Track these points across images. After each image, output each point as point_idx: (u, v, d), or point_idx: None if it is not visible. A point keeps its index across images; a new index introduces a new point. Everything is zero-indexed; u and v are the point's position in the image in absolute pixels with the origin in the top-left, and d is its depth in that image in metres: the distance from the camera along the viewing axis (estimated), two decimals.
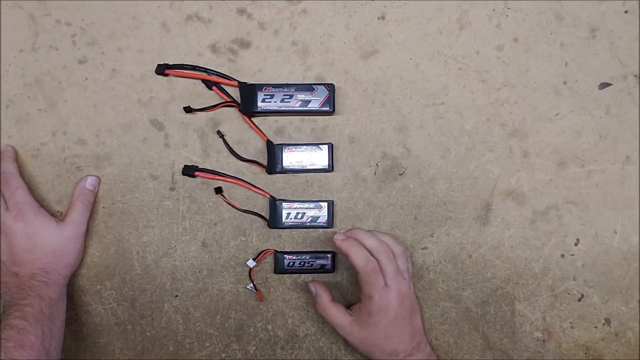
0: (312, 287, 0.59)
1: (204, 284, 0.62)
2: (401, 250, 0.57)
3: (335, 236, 0.55)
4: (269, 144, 0.61)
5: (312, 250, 0.62)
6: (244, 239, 0.62)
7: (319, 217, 0.61)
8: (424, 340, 0.57)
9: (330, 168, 0.61)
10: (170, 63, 0.60)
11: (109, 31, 0.61)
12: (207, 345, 0.62)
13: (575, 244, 0.62)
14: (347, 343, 0.58)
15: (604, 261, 0.62)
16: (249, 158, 0.61)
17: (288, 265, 0.61)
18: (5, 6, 0.60)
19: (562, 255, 0.62)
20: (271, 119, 0.62)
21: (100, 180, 0.61)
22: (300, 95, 0.60)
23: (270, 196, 0.61)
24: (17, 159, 0.60)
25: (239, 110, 0.60)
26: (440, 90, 0.62)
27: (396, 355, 0.55)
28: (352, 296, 0.62)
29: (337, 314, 0.56)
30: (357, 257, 0.54)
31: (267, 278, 0.63)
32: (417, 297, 0.58)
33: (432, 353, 0.57)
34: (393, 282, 0.54)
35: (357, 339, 0.55)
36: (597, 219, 0.62)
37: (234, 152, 0.61)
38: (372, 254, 0.54)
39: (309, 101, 0.59)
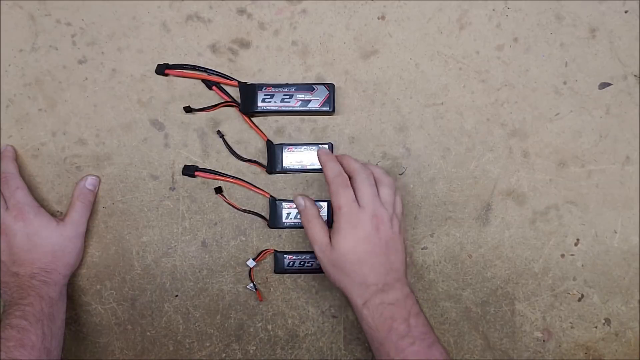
0: (300, 200, 0.55)
1: (204, 284, 0.62)
2: (388, 181, 0.54)
3: (318, 151, 0.55)
4: (269, 144, 0.61)
5: (312, 250, 0.62)
6: (244, 239, 0.62)
7: None
8: (403, 282, 0.52)
9: None
10: (170, 63, 0.60)
11: (109, 31, 0.61)
12: (207, 345, 0.62)
13: (575, 244, 0.62)
14: (322, 270, 0.54)
15: (604, 261, 0.62)
16: (249, 158, 0.61)
17: (288, 265, 0.61)
18: (5, 6, 0.60)
19: (562, 255, 0.62)
20: (271, 119, 0.62)
21: (100, 180, 0.61)
22: (300, 95, 0.60)
23: (270, 196, 0.61)
24: (17, 159, 0.60)
25: (239, 110, 0.60)
26: (440, 90, 0.62)
27: (366, 288, 0.51)
28: None
29: (318, 231, 0.53)
30: (330, 169, 0.53)
31: (267, 278, 0.63)
32: (404, 245, 0.55)
33: (411, 296, 0.52)
34: (369, 204, 0.52)
35: (329, 260, 0.52)
36: (597, 219, 0.62)
37: (234, 152, 0.61)
38: (350, 174, 0.53)
39: (309, 101, 0.60)
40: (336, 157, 0.55)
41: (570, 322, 0.63)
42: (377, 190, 0.54)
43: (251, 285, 0.62)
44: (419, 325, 0.50)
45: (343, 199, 0.52)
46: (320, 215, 0.55)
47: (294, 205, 0.61)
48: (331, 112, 0.60)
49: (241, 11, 0.61)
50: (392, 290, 0.51)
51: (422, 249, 0.63)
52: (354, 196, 0.52)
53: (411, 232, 0.62)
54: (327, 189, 0.54)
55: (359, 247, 0.51)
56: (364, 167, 0.54)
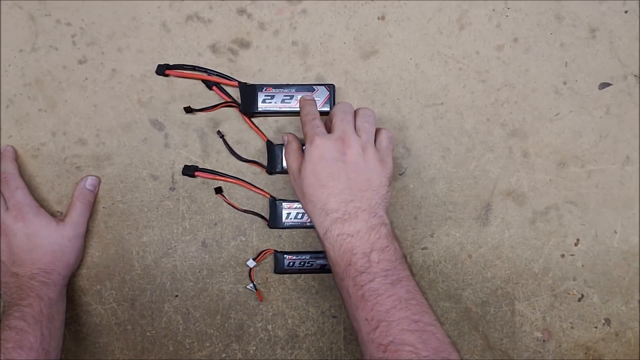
0: (285, 137, 0.57)
1: (204, 284, 0.62)
2: (368, 113, 0.53)
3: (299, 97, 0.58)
4: (269, 144, 0.61)
5: (312, 250, 0.62)
6: (244, 239, 0.62)
7: None
8: (371, 213, 0.49)
9: None
10: (170, 63, 0.60)
11: (109, 31, 0.61)
12: (207, 345, 0.62)
13: (575, 244, 0.62)
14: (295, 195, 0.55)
15: (604, 261, 0.62)
16: (249, 158, 0.61)
17: (288, 265, 0.61)
18: (5, 6, 0.60)
19: (562, 255, 0.62)
20: (271, 119, 0.62)
21: (100, 180, 0.61)
22: (301, 96, 0.60)
23: (270, 196, 0.61)
24: (17, 159, 0.60)
25: (239, 110, 0.60)
26: (440, 90, 0.62)
27: (325, 216, 0.49)
28: None
29: (293, 160, 0.54)
30: (304, 108, 0.55)
31: (267, 278, 0.63)
32: (388, 179, 0.51)
33: (378, 229, 0.48)
34: (337, 129, 0.51)
35: (297, 187, 0.52)
36: (597, 219, 0.62)
37: (234, 152, 0.61)
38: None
39: None
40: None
41: (570, 322, 0.63)
42: (355, 122, 0.53)
43: (251, 285, 0.62)
44: (382, 260, 0.47)
45: (310, 127, 0.52)
46: (300, 149, 0.55)
47: (294, 206, 0.61)
48: None
49: (241, 11, 0.61)
50: (354, 220, 0.48)
51: (422, 249, 0.63)
52: (323, 127, 0.52)
53: (411, 232, 0.62)
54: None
55: (319, 170, 0.50)
56: (344, 104, 0.54)
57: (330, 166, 0.50)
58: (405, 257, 0.50)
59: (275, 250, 0.62)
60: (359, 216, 0.48)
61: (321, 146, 0.50)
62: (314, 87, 0.59)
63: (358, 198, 0.49)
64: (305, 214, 0.61)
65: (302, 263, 0.61)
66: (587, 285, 0.62)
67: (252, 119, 0.61)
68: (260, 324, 0.63)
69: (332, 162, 0.50)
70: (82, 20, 0.61)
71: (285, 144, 0.56)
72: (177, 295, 0.62)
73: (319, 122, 0.53)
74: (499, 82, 0.61)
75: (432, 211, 0.62)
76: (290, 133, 0.57)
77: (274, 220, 0.61)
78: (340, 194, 0.49)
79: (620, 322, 0.62)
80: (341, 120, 0.52)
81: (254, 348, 0.63)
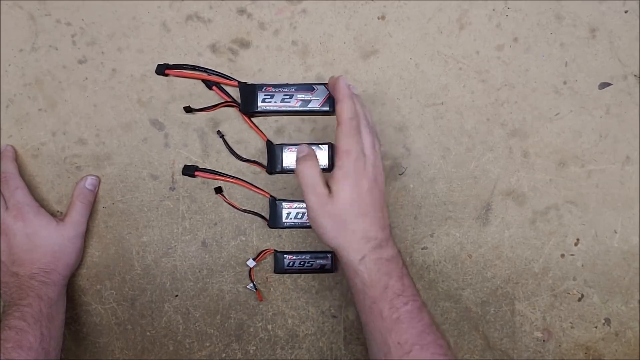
0: (304, 147, 0.51)
1: (204, 284, 0.62)
2: (369, 119, 0.51)
3: (341, 80, 0.49)
4: (269, 144, 0.61)
5: (312, 250, 0.62)
6: (244, 239, 0.62)
7: None
8: (393, 240, 0.50)
9: (330, 168, 0.61)
10: (170, 63, 0.60)
11: (109, 31, 0.61)
12: (207, 345, 0.62)
13: (575, 244, 0.62)
14: (315, 225, 0.49)
15: (604, 261, 0.62)
16: (249, 158, 0.61)
17: (288, 265, 0.61)
18: (5, 6, 0.60)
19: (562, 255, 0.62)
20: (271, 119, 0.62)
21: (100, 180, 0.61)
22: (301, 95, 0.60)
23: (270, 196, 0.61)
24: (17, 159, 0.60)
25: (239, 110, 0.60)
26: (440, 90, 0.62)
27: (366, 242, 0.48)
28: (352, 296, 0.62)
29: (319, 180, 0.48)
30: (348, 108, 0.48)
31: (267, 278, 0.63)
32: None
33: (401, 255, 0.50)
34: (370, 154, 0.49)
35: (327, 213, 0.48)
36: (597, 219, 0.62)
37: (234, 152, 0.61)
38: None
39: (309, 101, 0.60)
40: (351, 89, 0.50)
41: (570, 322, 0.63)
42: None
43: (251, 285, 0.62)
44: (411, 285, 0.48)
45: (355, 144, 0.48)
46: (319, 165, 0.50)
47: (294, 206, 0.61)
48: (331, 112, 0.60)
49: (241, 11, 0.61)
50: (387, 246, 0.49)
51: (422, 249, 0.62)
52: (362, 144, 0.49)
53: (411, 232, 0.62)
54: (336, 127, 0.49)
55: (363, 198, 0.48)
56: (365, 114, 0.51)
57: (371, 195, 0.48)
58: None
59: (275, 250, 0.62)
60: (389, 242, 0.49)
61: (363, 175, 0.48)
62: (313, 86, 0.59)
63: (387, 224, 0.50)
64: (305, 214, 0.61)
65: (302, 263, 0.61)
66: (587, 285, 0.62)
67: (252, 119, 0.61)
68: (260, 324, 0.63)
69: (372, 191, 0.48)
70: (82, 20, 0.61)
71: (302, 155, 0.50)
72: (177, 295, 0.62)
73: (360, 137, 0.48)
74: (499, 82, 0.61)
75: (432, 211, 0.62)
76: (305, 145, 0.51)
77: (274, 220, 0.61)
78: (378, 221, 0.49)
79: (620, 322, 0.62)
80: (371, 143, 0.49)
81: (254, 348, 0.62)
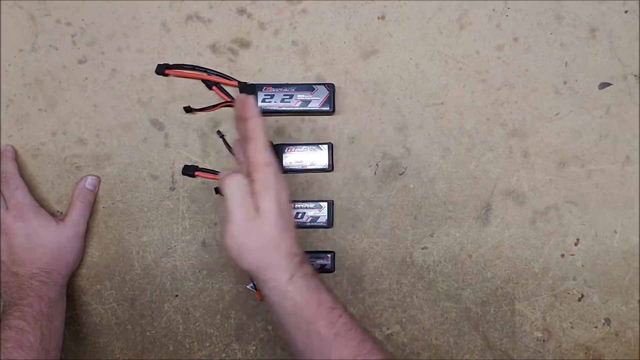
0: (224, 176, 0.46)
1: (204, 284, 0.62)
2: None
3: (251, 98, 0.46)
4: (269, 144, 0.61)
5: (312, 250, 0.62)
6: None
7: (319, 217, 0.61)
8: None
9: (330, 168, 0.61)
10: (170, 63, 0.60)
11: (109, 31, 0.61)
12: (207, 345, 0.62)
13: (575, 244, 0.62)
14: (235, 246, 0.46)
15: (604, 261, 0.62)
16: None
17: None
18: (5, 6, 0.60)
19: (562, 255, 0.62)
20: (271, 119, 0.62)
21: (100, 180, 0.61)
22: (301, 95, 0.60)
23: None
24: (17, 159, 0.60)
25: None
26: (440, 90, 0.62)
27: (291, 259, 0.46)
28: (352, 296, 0.62)
29: (246, 196, 0.45)
30: (261, 124, 0.45)
31: None
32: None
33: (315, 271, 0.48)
34: (271, 158, 0.46)
35: (254, 228, 0.45)
36: (597, 219, 0.62)
37: (234, 152, 0.61)
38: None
39: (309, 101, 0.60)
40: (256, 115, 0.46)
41: (570, 322, 0.63)
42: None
43: (251, 285, 0.62)
44: (335, 295, 0.47)
45: (271, 157, 0.46)
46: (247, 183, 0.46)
47: (294, 205, 0.61)
48: (331, 112, 0.60)
49: (241, 11, 0.61)
50: (306, 261, 0.47)
51: (422, 249, 0.62)
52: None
53: (411, 232, 0.62)
54: (248, 143, 0.46)
55: (285, 212, 0.45)
56: (256, 120, 0.46)
57: (289, 207, 0.47)
58: None
59: None
60: (305, 255, 0.48)
61: (281, 187, 0.46)
62: (313, 86, 0.60)
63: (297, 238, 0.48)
64: (305, 214, 0.61)
65: None
66: (587, 285, 0.62)
67: None
68: (260, 324, 0.62)
69: (289, 202, 0.47)
70: (82, 20, 0.61)
71: (226, 180, 0.46)
72: (177, 295, 0.62)
73: (268, 147, 0.46)
74: (499, 82, 0.61)
75: (432, 211, 0.62)
76: (224, 172, 0.48)
77: None
78: (296, 235, 0.47)
79: (620, 322, 0.62)
80: (265, 147, 0.46)
81: (254, 348, 0.62)
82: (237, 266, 0.47)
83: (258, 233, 0.45)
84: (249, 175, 0.46)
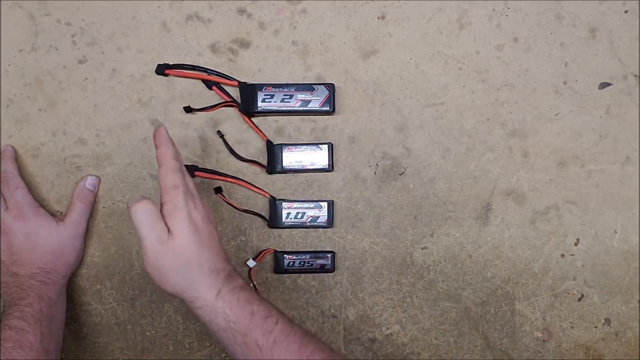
0: (133, 205, 0.46)
1: None
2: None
3: (162, 127, 0.48)
4: (269, 144, 0.61)
5: (312, 250, 0.62)
6: (244, 239, 0.62)
7: (319, 217, 0.61)
8: (237, 272, 0.50)
9: (330, 168, 0.61)
10: (170, 63, 0.60)
11: (109, 31, 0.61)
12: (207, 345, 0.62)
13: (575, 244, 0.62)
14: (155, 269, 0.46)
15: (604, 261, 0.62)
16: (249, 158, 0.61)
17: (288, 265, 0.61)
18: (5, 6, 0.60)
19: (562, 255, 0.62)
20: (271, 119, 0.62)
21: (100, 180, 0.61)
22: (300, 95, 0.60)
23: (270, 196, 0.61)
24: (17, 159, 0.60)
25: (239, 110, 0.60)
26: (440, 90, 0.62)
27: (216, 275, 0.47)
28: (352, 296, 0.62)
29: (157, 220, 0.45)
30: (171, 150, 0.48)
31: (267, 278, 0.63)
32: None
33: (249, 285, 0.49)
34: (196, 193, 0.49)
35: (171, 253, 0.45)
36: (597, 219, 0.62)
37: (234, 152, 0.61)
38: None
39: (309, 101, 0.60)
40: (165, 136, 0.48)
41: (570, 322, 0.63)
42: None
43: (251, 285, 0.62)
44: (271, 304, 0.48)
45: (181, 179, 0.47)
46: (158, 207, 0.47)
47: (294, 206, 0.61)
48: (331, 112, 0.60)
49: (241, 11, 0.61)
50: (236, 276, 0.48)
51: (422, 249, 0.62)
52: (187, 184, 0.48)
53: (411, 232, 0.62)
54: (158, 169, 0.48)
55: (201, 230, 0.46)
56: (182, 162, 0.50)
57: (207, 226, 0.47)
58: None
59: (275, 250, 0.62)
60: (236, 272, 0.49)
61: (196, 205, 0.47)
62: (313, 86, 0.60)
63: (227, 257, 0.49)
64: (305, 214, 0.61)
65: (302, 263, 0.61)
66: (587, 285, 0.62)
67: (252, 119, 0.61)
68: None
69: (205, 220, 0.47)
70: (82, 20, 0.61)
71: (132, 208, 0.45)
72: None
73: (187, 175, 0.48)
74: (499, 82, 0.61)
75: (432, 211, 0.62)
76: (131, 200, 0.47)
77: (274, 220, 0.61)
78: (221, 252, 0.49)
79: (620, 322, 0.62)
80: (190, 178, 0.49)
81: None
82: (163, 291, 0.47)
83: (173, 254, 0.45)
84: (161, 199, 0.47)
